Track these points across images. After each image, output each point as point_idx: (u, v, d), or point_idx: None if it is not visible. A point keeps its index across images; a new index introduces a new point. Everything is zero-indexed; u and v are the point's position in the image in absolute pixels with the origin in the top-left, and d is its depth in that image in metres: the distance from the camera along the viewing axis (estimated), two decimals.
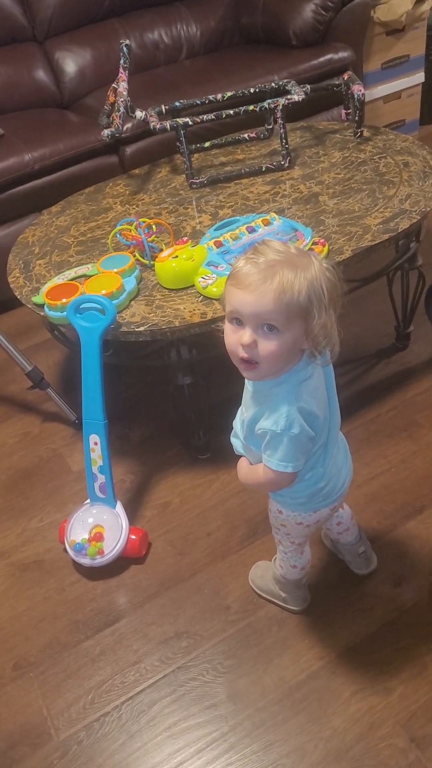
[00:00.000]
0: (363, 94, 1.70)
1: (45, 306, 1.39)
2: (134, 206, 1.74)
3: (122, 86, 1.76)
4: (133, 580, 1.38)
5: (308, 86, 1.74)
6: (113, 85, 1.80)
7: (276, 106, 1.66)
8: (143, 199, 1.76)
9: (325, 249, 1.35)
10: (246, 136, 1.94)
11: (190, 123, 1.69)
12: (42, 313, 1.42)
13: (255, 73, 2.34)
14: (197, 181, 1.75)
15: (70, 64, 2.57)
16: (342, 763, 1.05)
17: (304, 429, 0.87)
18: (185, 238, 1.43)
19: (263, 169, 1.74)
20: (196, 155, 1.90)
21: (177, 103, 1.87)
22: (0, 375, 2.03)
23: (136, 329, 1.31)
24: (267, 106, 1.68)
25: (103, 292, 1.33)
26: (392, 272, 1.68)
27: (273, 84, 1.84)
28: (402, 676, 1.14)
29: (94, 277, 1.40)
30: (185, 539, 1.45)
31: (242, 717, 1.13)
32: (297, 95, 1.67)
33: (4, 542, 1.52)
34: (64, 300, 1.35)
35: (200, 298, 1.34)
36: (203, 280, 1.33)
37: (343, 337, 0.87)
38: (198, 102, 1.86)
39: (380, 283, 1.67)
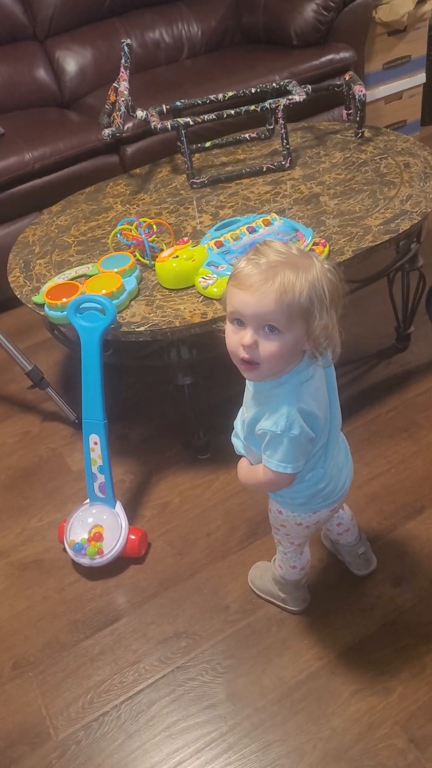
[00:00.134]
0: (364, 95, 1.70)
1: (45, 305, 1.39)
2: (135, 206, 1.74)
3: (123, 85, 1.76)
4: (132, 580, 1.39)
5: (309, 86, 1.74)
6: (114, 84, 1.80)
7: (277, 106, 1.66)
8: (144, 199, 1.76)
9: (326, 249, 1.35)
10: (247, 136, 1.94)
11: (191, 123, 1.69)
12: (42, 313, 1.42)
13: (256, 73, 2.34)
14: (198, 181, 1.75)
15: (71, 63, 2.57)
16: (341, 763, 1.05)
17: (304, 430, 0.87)
18: (186, 238, 1.43)
19: (264, 169, 1.74)
20: (196, 155, 1.90)
21: (178, 103, 1.86)
22: (0, 374, 2.03)
23: (137, 329, 1.31)
24: (268, 106, 1.68)
25: (104, 291, 1.33)
26: (393, 273, 1.68)
27: (274, 84, 1.84)
28: (401, 676, 1.14)
29: (95, 277, 1.40)
30: (185, 539, 1.45)
31: (241, 717, 1.13)
32: (298, 95, 1.67)
33: (4, 541, 1.52)
34: (64, 299, 1.35)
35: (200, 299, 1.34)
36: (204, 280, 1.33)
37: (343, 337, 0.87)
38: (199, 102, 1.85)
39: (381, 283, 1.67)
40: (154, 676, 1.22)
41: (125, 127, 2.07)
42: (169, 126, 1.69)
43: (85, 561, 1.37)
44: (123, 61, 1.78)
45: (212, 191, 1.73)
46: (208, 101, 1.85)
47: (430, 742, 1.06)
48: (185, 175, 1.78)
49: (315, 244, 1.36)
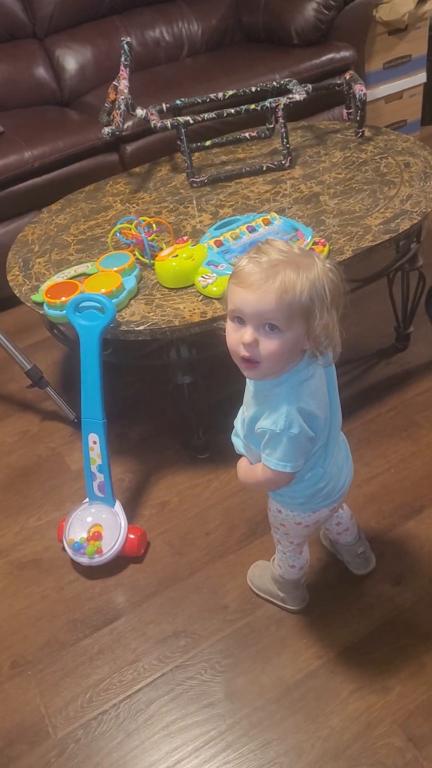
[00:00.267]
0: (364, 94, 1.70)
1: (44, 304, 1.39)
2: (134, 205, 1.74)
3: (123, 84, 1.76)
4: (131, 579, 1.38)
5: (310, 85, 1.73)
6: (114, 82, 1.80)
7: (277, 105, 1.66)
8: (143, 198, 1.76)
9: (326, 249, 1.35)
10: (247, 135, 1.94)
11: (191, 121, 1.69)
12: (41, 312, 1.41)
13: (256, 72, 2.33)
14: (198, 179, 1.75)
15: (71, 61, 2.57)
16: (339, 762, 1.05)
17: (304, 429, 0.87)
18: (185, 237, 1.42)
19: (264, 168, 1.74)
20: (196, 154, 1.89)
21: (178, 102, 1.86)
22: None
23: (136, 328, 1.31)
24: (268, 105, 1.68)
25: (103, 290, 1.33)
26: (393, 273, 1.68)
27: (274, 83, 1.84)
28: (400, 675, 1.14)
29: (94, 276, 1.40)
30: (184, 538, 1.45)
31: (240, 716, 1.14)
32: (298, 94, 1.67)
33: (3, 540, 1.52)
34: (63, 298, 1.35)
35: (200, 298, 1.34)
36: (203, 279, 1.33)
37: (344, 337, 0.87)
38: (199, 100, 1.85)
39: (381, 283, 1.67)
40: (153, 675, 1.22)
41: (125, 126, 2.06)
42: (168, 125, 1.69)
43: (84, 560, 1.37)
44: (123, 59, 1.78)
45: (212, 190, 1.72)
46: (208, 100, 1.85)
47: (428, 740, 1.06)
48: (185, 174, 1.78)
49: (315, 243, 1.36)
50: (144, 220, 1.49)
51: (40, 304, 1.41)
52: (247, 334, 0.82)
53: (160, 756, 1.11)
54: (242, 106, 1.70)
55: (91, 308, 1.32)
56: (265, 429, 0.88)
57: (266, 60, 2.43)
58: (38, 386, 1.74)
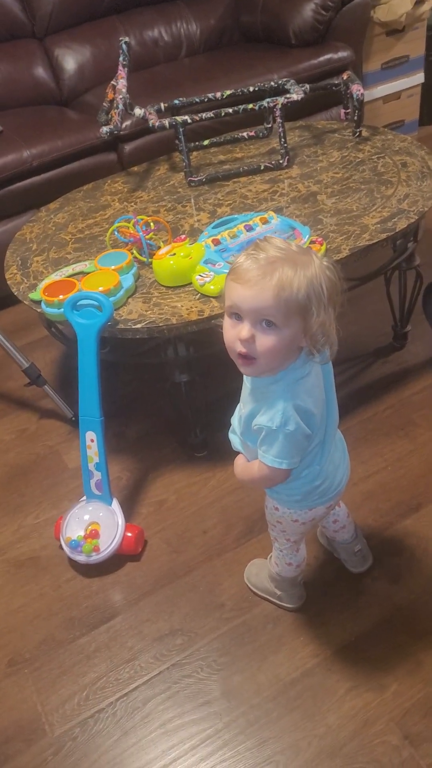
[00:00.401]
0: (362, 94, 1.71)
1: (42, 303, 1.39)
2: (132, 204, 1.74)
3: (121, 83, 1.76)
4: (128, 577, 1.39)
5: (307, 85, 1.74)
6: (112, 82, 1.80)
7: (275, 105, 1.66)
8: (141, 197, 1.76)
9: (323, 248, 1.35)
10: (245, 134, 1.95)
11: (189, 121, 1.69)
12: (39, 310, 1.42)
13: (254, 72, 2.34)
14: (196, 179, 1.75)
15: (70, 61, 2.57)
16: (336, 760, 1.05)
17: (300, 426, 0.88)
18: (183, 236, 1.43)
19: (262, 167, 1.74)
20: (194, 153, 1.90)
21: (176, 101, 1.86)
22: None
23: (134, 326, 1.31)
24: (266, 105, 1.68)
25: (101, 289, 1.33)
26: (390, 272, 1.68)
27: (272, 83, 1.85)
28: (396, 673, 1.14)
29: (92, 274, 1.40)
30: (181, 537, 1.45)
31: (236, 714, 1.14)
32: (296, 94, 1.67)
33: (0, 539, 1.52)
34: (61, 297, 1.35)
35: (198, 296, 1.34)
36: (201, 277, 1.33)
37: (341, 335, 0.87)
38: (197, 100, 1.85)
39: (378, 282, 1.67)
40: (149, 673, 1.22)
41: (123, 125, 2.06)
42: (167, 124, 1.69)
43: (81, 558, 1.37)
44: (121, 59, 1.78)
45: (210, 189, 1.73)
46: (206, 99, 1.85)
47: (425, 738, 1.06)
48: (183, 173, 1.78)
49: (312, 242, 1.36)
50: (142, 219, 1.50)
51: (38, 303, 1.41)
52: (244, 330, 0.83)
53: (157, 754, 1.11)
54: (240, 106, 1.71)
55: (89, 306, 1.32)
56: (262, 426, 0.88)
57: (264, 60, 2.43)
58: (36, 384, 1.75)
